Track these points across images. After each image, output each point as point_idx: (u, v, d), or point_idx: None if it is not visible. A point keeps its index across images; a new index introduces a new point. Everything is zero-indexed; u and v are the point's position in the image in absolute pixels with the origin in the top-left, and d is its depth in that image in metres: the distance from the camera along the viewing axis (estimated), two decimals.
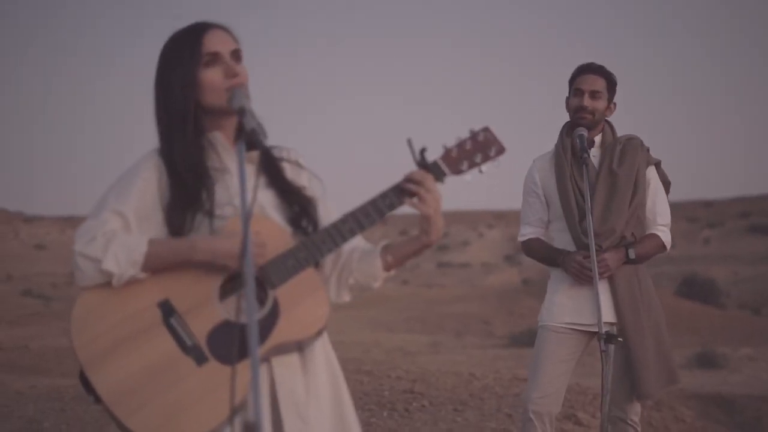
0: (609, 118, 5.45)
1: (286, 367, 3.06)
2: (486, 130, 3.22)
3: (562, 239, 5.38)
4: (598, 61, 5.42)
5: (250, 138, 2.74)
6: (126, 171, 3.13)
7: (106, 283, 2.97)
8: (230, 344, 2.94)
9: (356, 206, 3.11)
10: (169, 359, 2.94)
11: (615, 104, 5.40)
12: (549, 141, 5.57)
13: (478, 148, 3.20)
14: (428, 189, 3.10)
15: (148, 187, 3.07)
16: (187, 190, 3.06)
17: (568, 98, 5.40)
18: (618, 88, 5.40)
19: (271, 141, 3.22)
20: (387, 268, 3.22)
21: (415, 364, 14.04)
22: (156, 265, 2.97)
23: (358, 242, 3.23)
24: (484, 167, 3.20)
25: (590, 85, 5.29)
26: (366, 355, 15.40)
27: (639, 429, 5.35)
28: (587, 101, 5.27)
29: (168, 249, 2.98)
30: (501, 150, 3.21)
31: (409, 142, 3.14)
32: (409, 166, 3.19)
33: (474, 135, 3.21)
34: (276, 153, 3.28)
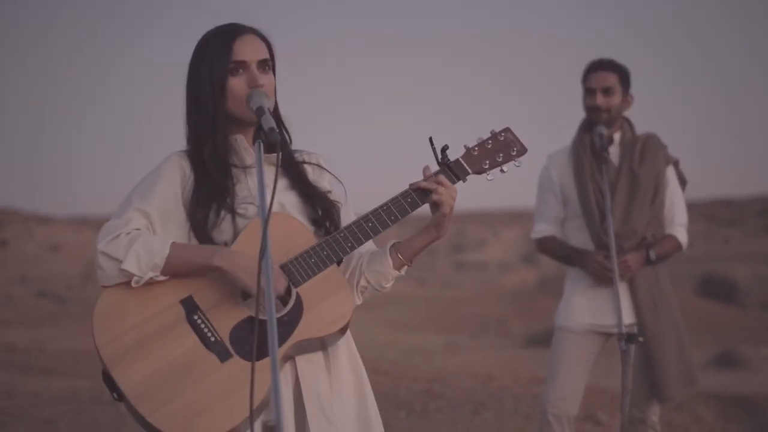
0: (628, 114, 5.40)
1: (311, 366, 3.07)
2: (507, 130, 3.28)
3: (578, 237, 5.33)
4: (615, 54, 5.36)
5: (268, 137, 2.76)
6: (149, 172, 3.16)
7: (128, 281, 2.99)
8: (252, 341, 2.92)
9: (378, 205, 3.13)
10: (192, 356, 2.94)
11: (632, 96, 5.34)
12: (563, 137, 5.52)
13: (500, 148, 3.24)
14: (447, 186, 3.11)
15: (171, 186, 3.10)
16: (212, 186, 3.08)
17: (583, 98, 5.35)
18: (634, 81, 5.34)
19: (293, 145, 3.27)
20: (397, 266, 3.20)
21: (432, 365, 14.01)
22: (176, 270, 2.99)
23: (367, 245, 3.23)
24: (505, 167, 3.24)
25: (601, 83, 5.24)
26: (382, 355, 15.35)
27: (658, 429, 5.33)
28: (600, 99, 5.22)
29: (190, 254, 2.99)
30: (522, 150, 3.27)
31: (431, 141, 3.16)
32: (432, 165, 3.20)
33: (495, 135, 3.25)
34: (297, 156, 3.30)
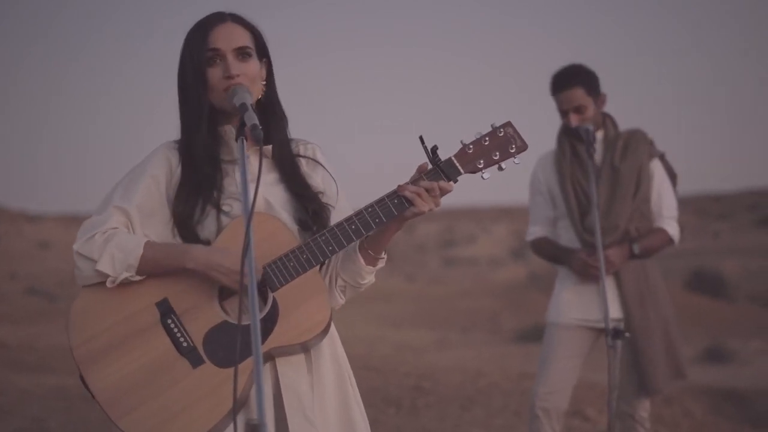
0: (611, 111, 5.38)
1: (291, 366, 3.03)
2: (508, 125, 3.11)
3: (568, 237, 5.36)
4: (606, 51, 5.33)
5: (251, 134, 2.72)
6: (136, 165, 3.13)
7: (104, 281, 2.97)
8: (226, 347, 2.92)
9: (363, 206, 3.03)
10: (164, 361, 2.92)
11: (605, 95, 5.30)
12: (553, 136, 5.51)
13: (498, 144, 3.08)
14: (432, 196, 3.00)
15: (156, 183, 3.07)
16: (199, 179, 3.04)
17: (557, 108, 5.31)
18: (623, 78, 5.32)
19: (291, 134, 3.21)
20: (370, 262, 3.12)
21: (422, 360, 14.00)
22: (151, 269, 2.97)
23: None
24: (504, 164, 3.09)
25: (570, 103, 5.19)
26: (372, 351, 15.36)
27: (647, 425, 5.33)
28: (574, 119, 5.18)
29: (163, 254, 2.96)
30: (523, 147, 3.10)
31: (422, 140, 3.03)
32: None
33: (494, 131, 3.09)
34: (293, 146, 3.23)
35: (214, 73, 3.04)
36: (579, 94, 5.18)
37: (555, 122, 5.40)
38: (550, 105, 5.32)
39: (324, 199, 3.17)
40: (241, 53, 3.07)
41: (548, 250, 5.44)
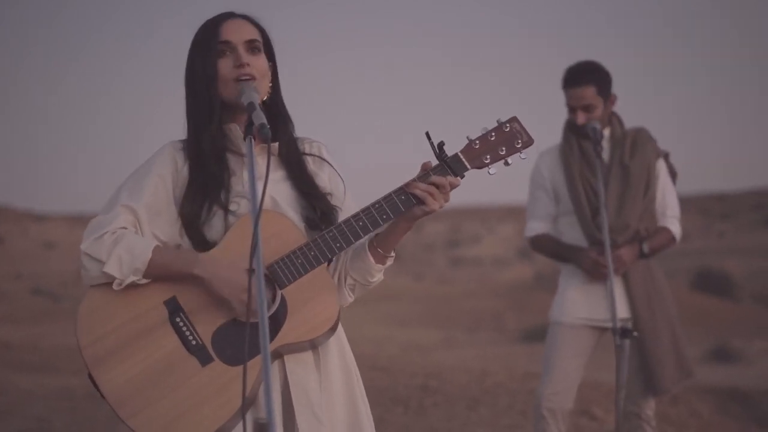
0: (617, 109, 5.35)
1: (299, 364, 3.02)
2: (513, 120, 3.10)
3: (571, 234, 5.30)
4: (610, 51, 5.29)
5: (259, 133, 2.71)
6: (141, 165, 3.11)
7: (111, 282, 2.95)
8: (235, 344, 2.91)
9: (370, 202, 3.02)
10: (173, 359, 2.91)
11: (615, 96, 5.26)
12: (556, 132, 5.48)
13: (504, 140, 3.08)
14: (441, 192, 3.00)
15: (162, 182, 3.05)
16: (206, 178, 3.03)
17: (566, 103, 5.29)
18: (625, 78, 5.27)
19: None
20: (379, 260, 3.11)
21: (429, 360, 14.00)
22: (158, 274, 2.95)
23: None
24: (510, 159, 3.08)
25: (580, 100, 5.14)
26: (380, 351, 15.38)
27: (653, 424, 5.32)
28: (581, 118, 5.14)
29: (172, 260, 2.95)
30: (529, 142, 3.09)
31: (428, 135, 3.03)
32: (432, 161, 3.07)
33: (500, 126, 3.09)
34: (299, 144, 3.22)
35: (225, 64, 3.03)
36: (590, 93, 5.15)
37: (559, 119, 5.37)
38: (552, 102, 5.28)
39: (332, 201, 3.16)
40: (252, 46, 3.07)
41: (551, 247, 5.39)
